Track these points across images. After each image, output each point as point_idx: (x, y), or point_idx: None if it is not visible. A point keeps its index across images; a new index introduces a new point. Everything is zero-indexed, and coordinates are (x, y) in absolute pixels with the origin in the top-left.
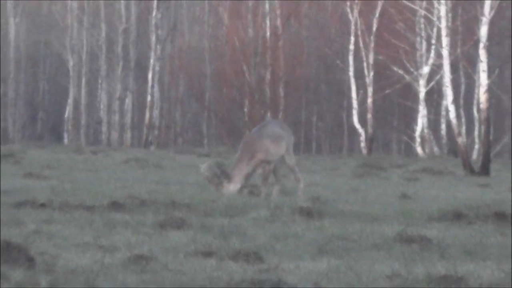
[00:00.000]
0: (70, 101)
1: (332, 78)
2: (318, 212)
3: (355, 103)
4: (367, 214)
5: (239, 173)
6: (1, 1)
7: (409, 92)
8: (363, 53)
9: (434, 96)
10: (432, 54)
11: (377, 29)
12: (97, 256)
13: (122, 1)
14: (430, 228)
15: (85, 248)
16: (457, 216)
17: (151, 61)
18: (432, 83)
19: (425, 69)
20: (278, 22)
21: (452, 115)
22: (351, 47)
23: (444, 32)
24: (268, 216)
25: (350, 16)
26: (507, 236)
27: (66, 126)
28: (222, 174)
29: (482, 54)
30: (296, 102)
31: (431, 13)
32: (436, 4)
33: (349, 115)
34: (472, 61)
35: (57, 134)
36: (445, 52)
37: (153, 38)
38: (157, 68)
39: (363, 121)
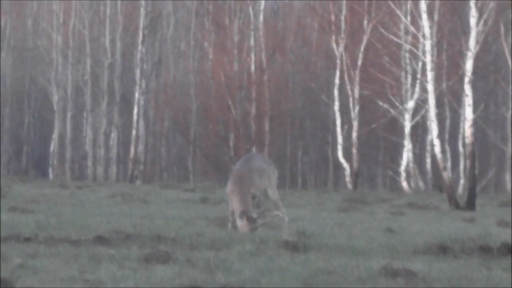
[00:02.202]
0: (55, 135)
1: (317, 113)
2: (303, 246)
3: (340, 138)
4: (352, 248)
5: (239, 208)
6: None
7: (394, 126)
8: (348, 88)
9: (419, 131)
10: (417, 88)
11: (363, 63)
12: None
13: (107, 36)
14: (415, 261)
15: (71, 283)
16: (443, 250)
17: (136, 95)
18: (417, 118)
19: (410, 104)
20: (263, 56)
21: (437, 149)
22: (336, 81)
23: (429, 66)
24: (253, 250)
25: (335, 50)
26: (492, 270)
27: (51, 161)
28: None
29: (467, 88)
30: (281, 136)
31: (416, 47)
32: (421, 39)
33: (334, 150)
34: (457, 95)
35: (42, 169)
36: (430, 87)
37: (138, 72)
38: (142, 102)
39: (348, 155)
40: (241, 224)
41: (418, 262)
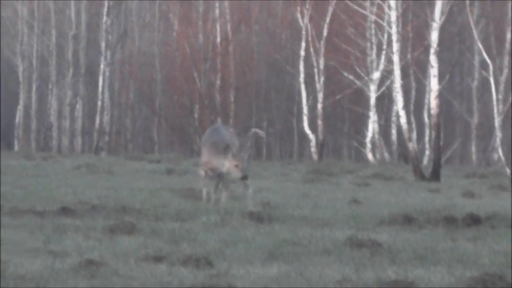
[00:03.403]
0: (20, 107)
1: (282, 84)
2: (268, 217)
3: (305, 109)
4: (317, 219)
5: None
6: None
7: (360, 97)
8: (313, 59)
9: (385, 102)
10: (383, 59)
11: (328, 34)
12: (47, 262)
13: (72, 7)
14: (381, 232)
15: (35, 254)
16: (408, 220)
17: (101, 67)
18: (382, 89)
19: (376, 75)
20: (228, 27)
21: (403, 120)
22: (302, 52)
23: (394, 37)
24: (218, 221)
25: (300, 21)
26: (457, 241)
27: (17, 132)
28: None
29: (433, 59)
30: (246, 108)
31: (382, 18)
32: (386, 10)
33: (300, 121)
34: (423, 67)
35: (7, 140)
36: (395, 58)
37: (103, 44)
38: (107, 74)
39: (313, 127)
40: (229, 164)
41: (383, 233)
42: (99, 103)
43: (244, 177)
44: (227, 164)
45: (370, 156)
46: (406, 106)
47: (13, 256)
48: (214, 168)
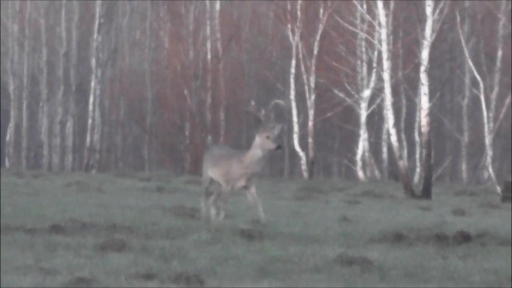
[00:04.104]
0: (11, 124)
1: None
2: (258, 234)
3: (296, 126)
4: (307, 236)
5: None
6: None
7: (350, 115)
8: (304, 76)
9: (375, 119)
10: (373, 77)
11: (318, 52)
12: (38, 279)
13: (63, 25)
14: (371, 250)
15: (26, 271)
16: (398, 238)
17: (92, 84)
18: (373, 106)
19: (366, 92)
20: (219, 45)
21: (393, 138)
22: (292, 70)
23: (385, 55)
24: (209, 239)
25: (291, 39)
26: (448, 259)
27: (7, 150)
28: None
29: (423, 77)
30: (236, 125)
31: (372, 36)
32: (377, 27)
33: (290, 139)
34: (413, 84)
35: None
36: (386, 75)
37: (94, 61)
38: (98, 91)
39: (304, 144)
40: (260, 138)
41: (374, 250)
42: (90, 120)
43: (278, 147)
44: (257, 139)
45: (360, 174)
46: (396, 124)
47: (3, 274)
48: (231, 178)
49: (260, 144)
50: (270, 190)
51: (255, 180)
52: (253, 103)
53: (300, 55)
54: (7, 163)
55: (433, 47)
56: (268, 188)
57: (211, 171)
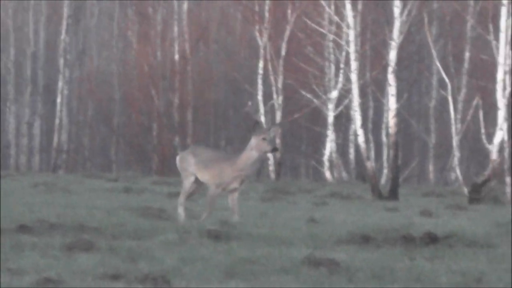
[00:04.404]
0: None
1: (240, 103)
2: (226, 235)
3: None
4: (275, 237)
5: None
6: None
7: (318, 116)
8: (271, 78)
9: (343, 121)
10: (341, 78)
11: (286, 53)
12: (5, 279)
13: (30, 25)
14: (338, 251)
15: None
16: (366, 239)
17: (60, 85)
18: (340, 108)
19: (334, 94)
20: (187, 46)
21: (361, 139)
22: (260, 71)
23: (353, 56)
24: (176, 240)
25: (259, 40)
26: (415, 260)
27: None
28: None
29: (391, 78)
30: (204, 126)
31: (340, 37)
32: (345, 29)
33: None
34: (381, 86)
35: None
36: (353, 76)
37: (62, 62)
38: (65, 92)
39: None
40: (256, 139)
41: (341, 252)
42: (57, 121)
43: (274, 149)
44: (253, 141)
45: (327, 175)
46: (364, 125)
47: None
48: (224, 182)
49: (256, 146)
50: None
51: (247, 183)
52: (250, 103)
53: (268, 56)
54: None
55: (401, 48)
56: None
57: (200, 174)
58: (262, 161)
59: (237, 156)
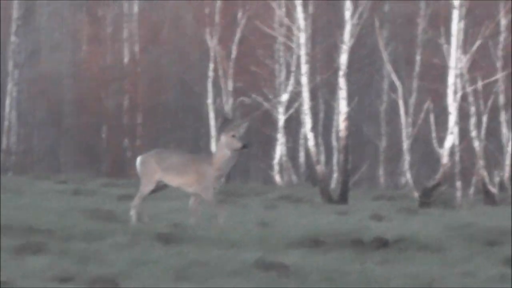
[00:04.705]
0: None
1: (191, 105)
2: (177, 238)
3: (213, 131)
4: (226, 240)
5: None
6: None
7: (268, 119)
8: (222, 80)
9: (293, 124)
10: (292, 81)
11: (237, 56)
12: None
13: None
14: (289, 254)
15: None
16: (316, 243)
17: (9, 86)
18: (291, 111)
19: (284, 97)
20: (137, 48)
21: (311, 143)
22: (210, 73)
23: (303, 59)
24: (127, 242)
25: (209, 42)
26: (366, 264)
27: None
28: None
29: (342, 81)
30: (154, 129)
31: (291, 40)
32: (295, 31)
33: (208, 143)
34: (332, 89)
35: None
36: (304, 80)
37: (11, 63)
38: (14, 93)
39: None
40: (226, 137)
41: (291, 255)
42: (6, 123)
43: (245, 146)
44: (223, 138)
45: (278, 178)
46: (314, 129)
47: None
48: (208, 185)
49: (226, 143)
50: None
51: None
52: (218, 100)
53: (218, 59)
54: None
55: (352, 51)
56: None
57: (171, 180)
58: (236, 159)
59: (212, 156)
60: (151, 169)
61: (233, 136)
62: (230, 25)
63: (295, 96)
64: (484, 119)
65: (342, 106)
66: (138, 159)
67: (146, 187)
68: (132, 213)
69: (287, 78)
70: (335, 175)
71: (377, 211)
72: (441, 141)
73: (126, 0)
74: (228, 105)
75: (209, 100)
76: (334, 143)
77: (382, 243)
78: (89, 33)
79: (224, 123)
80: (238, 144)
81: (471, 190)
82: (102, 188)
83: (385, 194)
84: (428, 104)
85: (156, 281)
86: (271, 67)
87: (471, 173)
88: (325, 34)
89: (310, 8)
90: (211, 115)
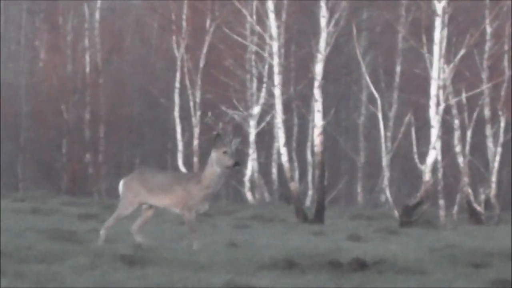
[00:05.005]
0: None
1: (156, 118)
2: (141, 260)
3: (180, 145)
4: (193, 262)
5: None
6: None
7: (239, 133)
8: (189, 92)
9: (265, 138)
10: (264, 93)
11: (205, 65)
12: None
13: None
14: (261, 277)
15: None
16: (289, 265)
17: None
18: (263, 124)
19: (256, 109)
20: (99, 57)
21: (284, 158)
22: (177, 84)
23: (276, 69)
24: (88, 264)
25: (175, 51)
26: (343, 286)
27: None
28: None
29: (317, 93)
30: (117, 143)
31: (263, 49)
32: (268, 40)
33: (174, 158)
34: (306, 101)
35: None
36: (277, 91)
37: None
38: None
39: (189, 164)
40: (217, 153)
41: (264, 278)
42: None
43: (237, 164)
44: (214, 155)
45: (249, 196)
46: (288, 143)
47: None
48: (194, 204)
49: (217, 160)
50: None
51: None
52: (209, 114)
53: (185, 69)
54: None
55: (328, 61)
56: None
57: (157, 200)
58: (226, 176)
59: (200, 174)
60: (134, 191)
61: (225, 152)
62: (198, 33)
63: (268, 108)
64: (469, 133)
65: (318, 119)
66: (121, 182)
67: (126, 209)
68: (102, 233)
69: (259, 89)
70: (310, 193)
71: (355, 231)
72: (423, 156)
73: (87, 5)
74: (196, 118)
75: (176, 113)
76: (309, 158)
77: (360, 265)
78: (48, 42)
79: (216, 139)
80: (229, 162)
81: (455, 208)
82: (62, 206)
83: (364, 213)
84: (409, 117)
85: None
86: (242, 78)
87: (455, 190)
88: (299, 42)
89: (283, 15)
90: (178, 128)
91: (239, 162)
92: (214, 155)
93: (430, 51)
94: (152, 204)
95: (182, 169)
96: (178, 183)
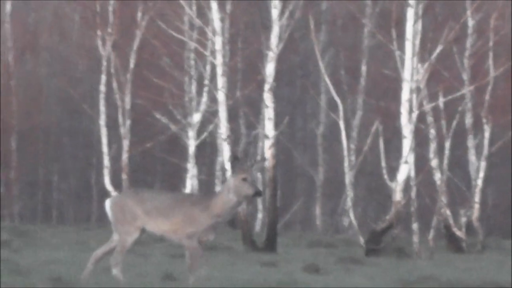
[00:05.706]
0: None
1: (78, 128)
2: None
3: (107, 160)
4: None
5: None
6: None
7: (176, 146)
8: (117, 96)
9: (207, 151)
10: (205, 98)
11: (136, 66)
12: None
13: None
14: None
15: None
16: None
17: None
18: (204, 135)
19: (196, 117)
20: (10, 57)
21: (229, 174)
22: (102, 88)
23: (219, 70)
24: None
25: (100, 49)
26: None
27: None
28: None
29: (268, 98)
30: (32, 157)
31: (204, 46)
32: (210, 35)
33: (100, 175)
34: (256, 107)
35: None
36: (221, 95)
37: None
38: None
39: (117, 182)
40: (235, 179)
41: None
42: None
43: (257, 193)
44: (231, 181)
45: None
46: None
47: None
48: (197, 231)
49: (234, 188)
50: (75, 240)
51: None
52: (231, 135)
53: (112, 69)
54: None
55: (281, 60)
56: (71, 237)
57: (154, 225)
58: (241, 204)
59: (210, 199)
60: (130, 213)
61: (244, 179)
62: (128, 27)
63: (210, 116)
64: (447, 144)
65: (269, 129)
66: (108, 202)
67: (129, 236)
68: (116, 272)
69: (199, 93)
70: (260, 216)
71: (313, 261)
72: (393, 172)
73: None
74: (124, 127)
75: (101, 122)
76: (259, 175)
77: None
78: None
79: (234, 162)
80: (249, 190)
81: (431, 234)
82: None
83: (323, 240)
84: (376, 126)
85: None
86: (179, 80)
87: (431, 212)
88: (247, 38)
89: (228, 6)
90: (104, 140)
91: (260, 192)
92: (231, 181)
93: (401, 48)
94: (149, 230)
95: (109, 187)
96: (179, 206)
